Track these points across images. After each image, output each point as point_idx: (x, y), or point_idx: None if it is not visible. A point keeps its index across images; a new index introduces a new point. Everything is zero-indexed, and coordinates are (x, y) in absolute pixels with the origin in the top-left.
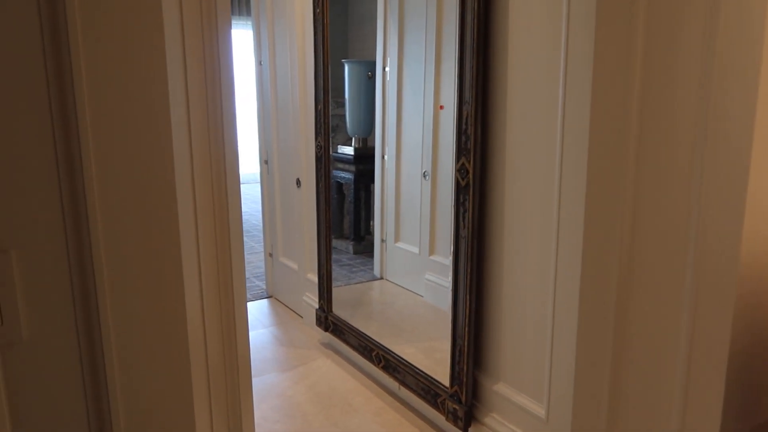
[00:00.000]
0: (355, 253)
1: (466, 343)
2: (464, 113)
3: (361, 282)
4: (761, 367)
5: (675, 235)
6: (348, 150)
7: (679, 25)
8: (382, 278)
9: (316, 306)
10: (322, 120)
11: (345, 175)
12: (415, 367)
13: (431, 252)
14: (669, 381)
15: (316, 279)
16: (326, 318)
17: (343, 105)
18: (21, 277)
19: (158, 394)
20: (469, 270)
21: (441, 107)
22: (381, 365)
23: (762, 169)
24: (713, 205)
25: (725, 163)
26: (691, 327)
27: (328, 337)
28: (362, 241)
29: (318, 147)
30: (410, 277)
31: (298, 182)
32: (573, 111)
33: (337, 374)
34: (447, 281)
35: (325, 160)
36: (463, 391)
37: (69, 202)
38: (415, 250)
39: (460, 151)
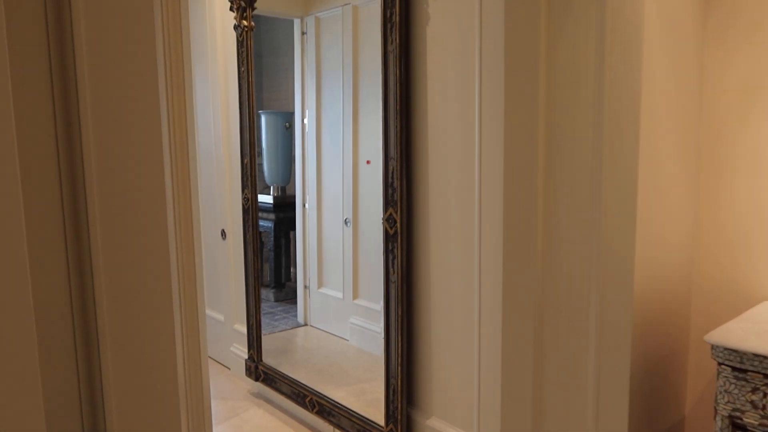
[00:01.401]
0: (276, 300)
1: (399, 382)
2: (390, 168)
3: (285, 329)
4: (658, 384)
5: (579, 281)
6: (267, 198)
7: (575, 93)
8: (306, 324)
9: (245, 356)
10: (248, 173)
11: (264, 224)
12: (349, 409)
13: (355, 296)
14: (582, 405)
15: (243, 329)
16: (256, 368)
17: (260, 154)
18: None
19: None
20: (399, 313)
21: (368, 162)
22: (315, 410)
23: (649, 209)
24: (610, 256)
25: (618, 210)
26: (598, 357)
27: (258, 386)
28: (283, 288)
29: (245, 199)
30: (335, 321)
31: (223, 234)
32: (488, 165)
33: (271, 423)
34: (373, 324)
35: (252, 211)
36: (398, 429)
37: (76, 280)
38: (339, 295)
39: (388, 202)
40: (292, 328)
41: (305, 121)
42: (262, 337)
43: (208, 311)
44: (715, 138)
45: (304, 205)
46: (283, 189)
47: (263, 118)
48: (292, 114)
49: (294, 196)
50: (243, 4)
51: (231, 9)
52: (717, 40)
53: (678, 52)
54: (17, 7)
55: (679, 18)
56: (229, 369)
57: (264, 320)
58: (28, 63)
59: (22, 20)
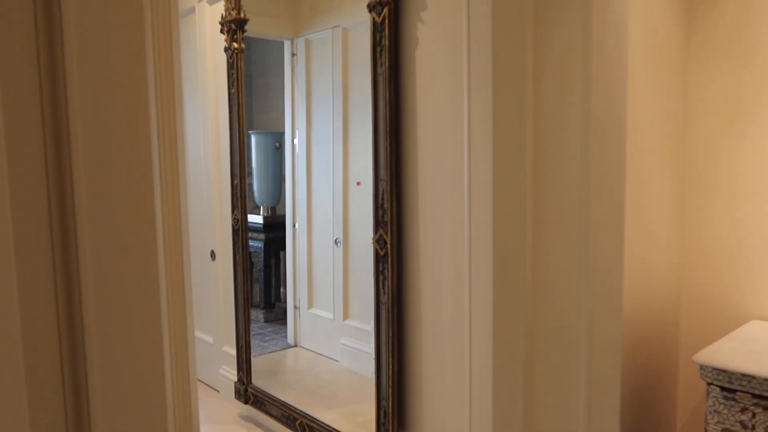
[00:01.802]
0: (266, 321)
1: (390, 405)
2: (380, 189)
3: (275, 351)
4: (648, 404)
5: (569, 301)
6: (257, 218)
7: (562, 117)
8: (296, 345)
9: (234, 379)
10: (238, 194)
11: (254, 244)
12: None
13: (346, 317)
14: (574, 425)
15: (233, 351)
16: (246, 390)
17: (250, 174)
18: None
19: None
20: (390, 334)
21: (358, 183)
22: None
23: (635, 236)
24: (599, 278)
25: (606, 233)
26: (588, 377)
27: (247, 409)
28: (273, 308)
29: (235, 220)
30: (325, 342)
31: (213, 254)
32: (477, 187)
33: None
34: (363, 345)
35: (242, 232)
36: None
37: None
38: (329, 315)
39: (378, 223)
40: (282, 350)
41: (295, 141)
42: (252, 358)
43: (197, 333)
44: (698, 160)
45: (294, 225)
46: (273, 209)
47: (253, 138)
48: (282, 134)
49: (284, 216)
50: (233, 26)
51: (221, 31)
52: (698, 62)
53: (662, 74)
54: (7, 48)
55: (662, 40)
56: (218, 392)
57: (253, 341)
58: (18, 89)
59: (13, 51)
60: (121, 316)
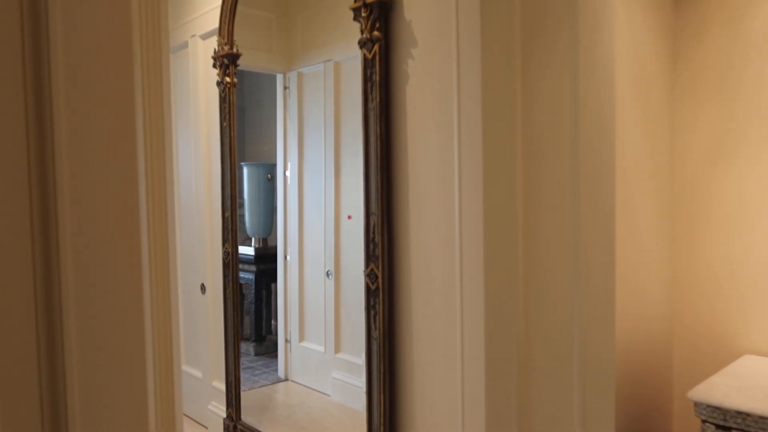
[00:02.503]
0: (256, 354)
1: None
2: (371, 223)
3: (266, 385)
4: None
5: (561, 335)
6: (248, 250)
7: (552, 152)
8: (287, 379)
9: (224, 415)
10: (229, 227)
11: (245, 276)
12: None
13: (337, 350)
14: None
15: (222, 386)
16: (235, 427)
17: (241, 205)
18: None
19: None
20: (382, 370)
21: (349, 217)
22: None
23: (626, 265)
24: (591, 311)
25: (597, 267)
26: (582, 411)
27: None
28: (264, 341)
29: (225, 253)
30: (317, 376)
31: (203, 288)
32: (468, 221)
33: None
34: (355, 379)
35: (232, 265)
36: None
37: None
38: (321, 348)
39: (369, 257)
40: (272, 383)
41: (287, 173)
42: (242, 393)
43: (186, 367)
44: (687, 194)
45: (285, 257)
46: (265, 240)
47: (245, 170)
48: (274, 165)
49: (275, 248)
50: (226, 61)
51: (214, 66)
52: (685, 99)
53: (649, 112)
54: None
55: (649, 80)
56: (207, 428)
57: (244, 375)
58: (4, 131)
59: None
60: (103, 350)
